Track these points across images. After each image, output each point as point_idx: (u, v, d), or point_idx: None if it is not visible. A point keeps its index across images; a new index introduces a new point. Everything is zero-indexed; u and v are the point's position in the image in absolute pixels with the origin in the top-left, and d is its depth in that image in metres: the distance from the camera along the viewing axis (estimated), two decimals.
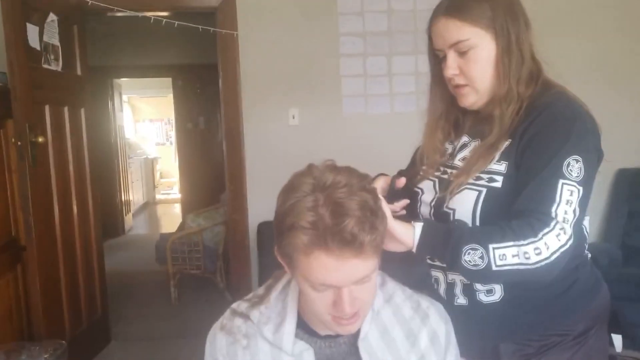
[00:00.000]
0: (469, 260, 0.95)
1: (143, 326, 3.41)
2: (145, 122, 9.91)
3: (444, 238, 0.98)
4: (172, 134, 8.94)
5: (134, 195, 7.29)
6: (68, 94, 2.80)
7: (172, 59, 5.55)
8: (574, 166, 0.96)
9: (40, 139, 2.44)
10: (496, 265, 0.94)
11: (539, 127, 1.01)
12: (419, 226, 1.00)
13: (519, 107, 1.05)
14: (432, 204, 1.13)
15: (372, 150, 2.92)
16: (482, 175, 1.05)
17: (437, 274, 1.16)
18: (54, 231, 2.61)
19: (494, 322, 1.10)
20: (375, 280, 0.90)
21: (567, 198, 0.95)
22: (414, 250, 1.00)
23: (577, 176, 0.96)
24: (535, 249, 0.93)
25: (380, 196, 0.91)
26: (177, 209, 7.72)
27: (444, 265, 1.06)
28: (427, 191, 1.15)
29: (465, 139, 1.15)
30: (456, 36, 1.05)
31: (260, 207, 3.00)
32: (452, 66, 1.07)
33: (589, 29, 3.04)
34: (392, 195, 1.12)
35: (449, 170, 1.14)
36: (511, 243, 0.93)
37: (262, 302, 1.00)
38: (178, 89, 6.00)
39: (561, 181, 0.96)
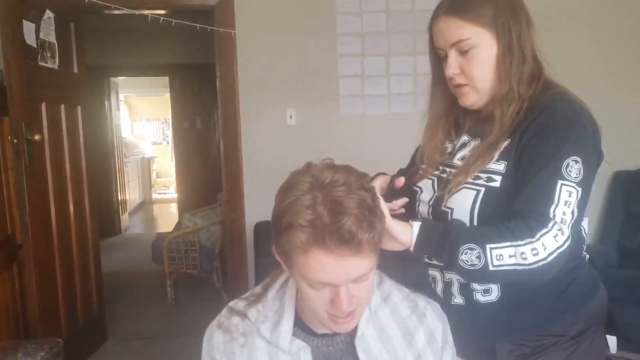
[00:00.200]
0: (466, 260, 0.95)
1: (139, 325, 3.41)
2: (141, 122, 9.89)
3: (442, 237, 0.98)
4: (169, 133, 8.93)
5: (131, 194, 7.29)
6: (65, 92, 2.79)
7: (169, 58, 5.54)
8: (573, 167, 0.96)
9: (37, 137, 2.43)
10: (493, 266, 0.94)
11: (538, 128, 1.01)
12: (416, 225, 1.00)
13: (520, 107, 1.05)
14: (431, 202, 1.13)
15: (369, 151, 2.93)
16: (480, 174, 1.05)
17: (435, 273, 1.16)
18: (50, 230, 2.60)
19: (490, 322, 1.10)
20: (372, 279, 0.91)
21: (565, 199, 0.95)
22: (412, 249, 1.00)
23: (576, 177, 0.96)
24: (533, 249, 0.93)
25: (378, 195, 0.91)
26: (174, 208, 7.72)
27: (441, 264, 1.07)
28: (426, 190, 1.15)
29: (465, 138, 1.15)
30: (457, 35, 1.05)
31: (257, 206, 3.00)
32: (452, 65, 1.07)
33: (587, 31, 3.05)
34: (391, 194, 1.12)
35: (448, 169, 1.14)
36: (508, 243, 0.94)
37: (259, 301, 1.00)
38: (175, 88, 5.99)
39: (560, 182, 0.96)
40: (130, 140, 8.99)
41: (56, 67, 2.69)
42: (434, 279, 1.17)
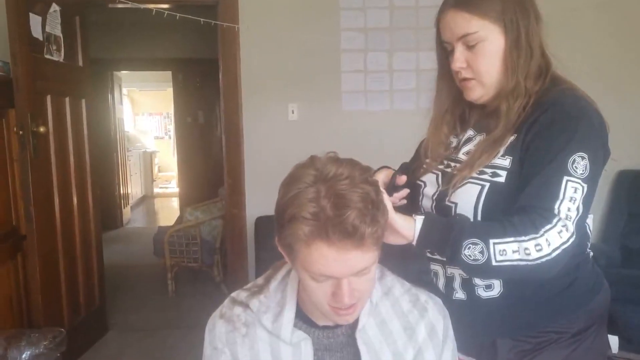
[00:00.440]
0: (469, 255, 0.95)
1: (140, 317, 3.43)
2: (144, 116, 9.89)
3: (445, 232, 0.98)
4: (171, 127, 8.94)
5: (133, 188, 7.30)
6: (69, 85, 2.80)
7: (173, 53, 5.54)
8: (580, 163, 0.95)
9: (42, 129, 2.45)
10: (496, 261, 0.93)
11: (545, 123, 1.00)
12: (419, 219, 1.00)
13: (526, 102, 1.04)
14: (434, 197, 1.12)
15: (371, 147, 2.94)
16: (485, 169, 1.04)
17: (437, 267, 1.16)
18: (54, 221, 2.62)
19: (492, 318, 1.10)
20: (374, 273, 0.91)
21: (570, 195, 0.94)
22: (414, 243, 1.00)
23: (582, 173, 0.95)
24: (536, 245, 0.92)
25: (382, 189, 0.91)
26: (175, 202, 7.72)
27: (444, 259, 1.06)
28: (430, 184, 1.15)
29: (470, 132, 1.15)
30: (464, 29, 1.04)
31: (258, 201, 3.01)
32: (459, 59, 1.06)
33: (595, 27, 3.04)
34: (393, 190, 1.12)
35: (452, 164, 1.13)
36: (512, 239, 0.93)
37: (261, 292, 1.00)
38: (178, 83, 5.99)
39: (565, 178, 0.95)
40: (132, 135, 8.99)
41: (61, 60, 2.70)
42: (435, 274, 1.17)
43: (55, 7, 2.62)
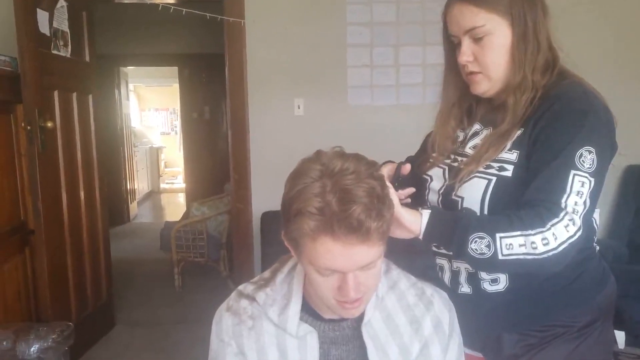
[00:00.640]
0: (476, 249, 0.95)
1: (147, 312, 3.45)
2: (150, 111, 9.92)
3: (451, 226, 0.98)
4: (177, 123, 8.96)
5: (139, 183, 7.33)
6: (76, 80, 2.81)
7: (179, 48, 5.55)
8: (587, 157, 0.95)
9: (49, 124, 2.46)
10: (502, 255, 0.93)
11: (552, 117, 1.00)
12: (426, 213, 1.00)
13: (533, 96, 1.04)
14: (441, 191, 1.12)
15: (377, 142, 2.93)
16: (492, 163, 1.04)
17: (442, 261, 1.16)
18: (62, 216, 2.64)
19: (497, 312, 1.10)
20: (380, 267, 0.91)
21: (577, 189, 0.94)
22: (421, 237, 1.00)
23: (589, 167, 0.95)
24: (543, 239, 0.92)
25: (388, 184, 0.91)
26: (181, 198, 7.76)
27: (450, 253, 1.06)
28: (436, 178, 1.15)
29: (477, 126, 1.14)
30: (471, 22, 1.04)
31: (264, 197, 3.02)
32: (466, 52, 1.06)
33: (603, 21, 3.00)
34: (398, 181, 1.12)
35: (459, 158, 1.13)
36: (519, 232, 0.93)
37: (268, 285, 1.01)
38: (184, 78, 6.00)
39: (572, 172, 0.95)
40: (139, 130, 9.02)
41: (68, 55, 2.72)
42: (441, 268, 1.17)
43: (62, 3, 2.63)
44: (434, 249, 1.16)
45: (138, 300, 3.65)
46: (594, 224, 1.10)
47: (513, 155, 1.03)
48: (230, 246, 3.75)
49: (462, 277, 1.12)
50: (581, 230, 0.94)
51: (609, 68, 2.95)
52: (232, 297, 1.03)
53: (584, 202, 0.95)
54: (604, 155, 0.99)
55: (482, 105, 1.16)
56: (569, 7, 2.86)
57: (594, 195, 0.97)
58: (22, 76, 2.34)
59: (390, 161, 1.20)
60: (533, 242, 0.92)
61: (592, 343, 1.09)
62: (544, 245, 0.92)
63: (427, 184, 1.17)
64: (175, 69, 6.08)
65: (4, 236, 2.32)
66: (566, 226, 0.93)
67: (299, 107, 3.03)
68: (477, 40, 1.05)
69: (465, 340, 1.06)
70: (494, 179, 1.03)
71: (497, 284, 1.08)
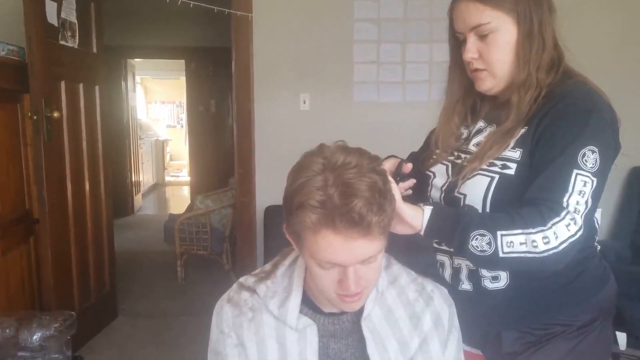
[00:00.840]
0: (476, 246, 0.95)
1: (149, 303, 3.47)
2: (157, 104, 9.94)
3: (453, 222, 0.98)
4: (183, 116, 8.97)
5: (144, 176, 7.35)
6: (83, 71, 2.82)
7: (186, 41, 5.56)
8: (590, 157, 0.95)
9: (56, 114, 2.47)
10: (503, 252, 0.94)
11: (556, 116, 1.00)
12: (428, 209, 1.00)
13: (538, 95, 1.04)
14: (444, 188, 1.12)
15: (382, 138, 2.93)
16: (495, 161, 1.04)
17: (443, 258, 1.16)
18: (67, 206, 2.65)
19: (497, 309, 1.11)
20: (380, 262, 0.91)
21: (580, 188, 0.94)
22: (422, 233, 1.01)
23: (592, 167, 0.95)
24: (544, 237, 0.92)
25: (390, 178, 0.92)
26: (186, 191, 7.78)
27: (451, 249, 1.06)
28: (439, 175, 1.15)
29: (481, 124, 1.14)
30: (477, 19, 1.04)
31: (268, 191, 3.02)
32: (471, 49, 1.06)
33: (608, 20, 2.98)
34: (398, 179, 1.12)
35: (462, 155, 1.13)
36: (519, 231, 0.93)
37: (268, 277, 1.01)
38: (190, 72, 6.00)
39: (575, 171, 0.95)
40: (145, 123, 9.04)
41: (76, 46, 2.73)
42: (442, 265, 1.17)
43: None
44: (435, 245, 1.16)
45: (141, 291, 3.67)
46: (595, 224, 1.10)
47: (516, 154, 1.03)
48: (233, 239, 3.76)
49: (463, 274, 1.12)
50: (582, 230, 0.94)
51: (614, 68, 2.93)
52: (233, 288, 1.04)
53: (586, 202, 0.95)
54: (607, 155, 0.98)
55: (487, 102, 1.16)
56: (574, 6, 2.84)
57: (596, 194, 0.96)
58: (30, 66, 2.35)
59: (393, 156, 1.20)
60: (534, 241, 0.93)
61: (591, 342, 1.09)
62: (545, 243, 0.92)
63: (430, 181, 1.17)
64: (182, 62, 6.09)
65: (8, 225, 2.33)
66: (567, 225, 0.93)
67: (304, 102, 3.02)
68: (482, 37, 1.05)
69: (464, 337, 1.06)
70: (497, 176, 1.03)
71: (497, 281, 1.08)
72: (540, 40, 1.04)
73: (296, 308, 0.97)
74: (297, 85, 3.01)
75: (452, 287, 1.12)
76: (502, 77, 1.07)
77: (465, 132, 1.17)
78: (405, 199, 1.02)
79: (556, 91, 1.03)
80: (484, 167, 1.05)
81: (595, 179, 0.95)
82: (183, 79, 6.26)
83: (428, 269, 1.16)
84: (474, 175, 1.06)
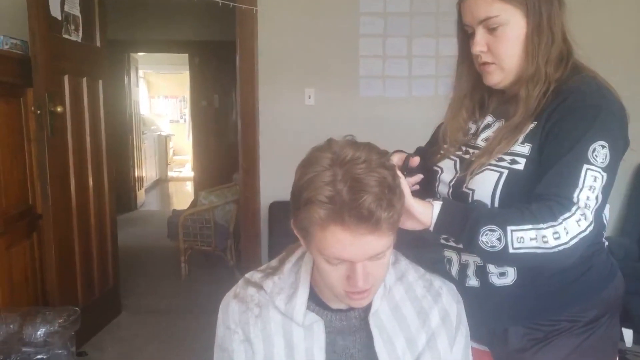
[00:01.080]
0: (486, 242, 0.94)
1: (153, 299, 3.47)
2: (160, 99, 9.94)
3: (462, 218, 0.97)
4: (187, 111, 8.97)
5: (147, 171, 7.36)
6: (87, 65, 2.81)
7: (190, 35, 5.55)
8: (600, 152, 0.95)
9: (59, 109, 2.46)
10: (513, 248, 0.93)
11: (565, 111, 0.99)
12: (437, 205, 0.99)
13: (546, 89, 1.03)
14: (452, 183, 1.12)
15: (388, 133, 2.91)
16: (504, 156, 1.04)
17: (451, 254, 1.15)
18: (70, 201, 2.65)
19: (504, 305, 1.10)
20: (389, 258, 0.91)
21: (590, 184, 0.94)
22: (431, 229, 1.00)
23: (602, 162, 0.95)
24: (554, 233, 0.92)
25: (399, 174, 0.91)
26: (189, 186, 7.79)
27: (460, 245, 1.06)
28: (447, 170, 1.15)
29: (489, 119, 1.13)
30: (486, 12, 1.03)
31: (272, 186, 3.02)
32: (480, 43, 1.05)
33: (613, 17, 2.97)
34: (405, 173, 1.11)
35: (471, 150, 1.12)
36: (530, 226, 0.93)
37: (275, 273, 1.01)
38: (194, 66, 5.99)
39: (585, 166, 0.94)
40: (148, 117, 9.04)
41: (79, 40, 2.72)
42: (449, 261, 1.16)
43: None
44: (443, 241, 1.16)
45: (144, 287, 3.67)
46: (604, 219, 1.09)
47: (525, 149, 1.02)
48: (237, 235, 3.76)
49: (470, 270, 1.12)
50: (593, 225, 0.94)
51: (624, 62, 2.91)
52: (240, 284, 1.03)
53: (596, 197, 0.95)
54: (617, 150, 0.98)
55: (495, 97, 1.15)
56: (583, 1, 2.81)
57: (606, 190, 0.96)
58: (33, 60, 2.34)
59: (399, 150, 1.19)
60: (544, 236, 0.92)
61: (598, 338, 1.08)
62: (555, 239, 0.92)
63: (438, 176, 1.16)
64: (185, 56, 6.07)
65: (12, 220, 2.33)
66: (578, 221, 0.93)
67: (309, 97, 3.01)
68: (491, 30, 1.04)
69: (471, 333, 1.06)
70: (506, 172, 1.03)
71: (505, 277, 1.08)
72: (549, 33, 1.03)
73: (303, 304, 0.96)
74: (302, 80, 3.00)
75: (459, 284, 1.11)
76: (511, 70, 1.06)
77: (473, 127, 1.17)
78: (413, 194, 1.01)
79: (565, 86, 1.02)
80: (493, 162, 1.04)
81: (605, 174, 0.95)
82: (186, 73, 6.25)
83: (435, 266, 1.16)
84: (482, 171, 1.05)
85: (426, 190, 1.14)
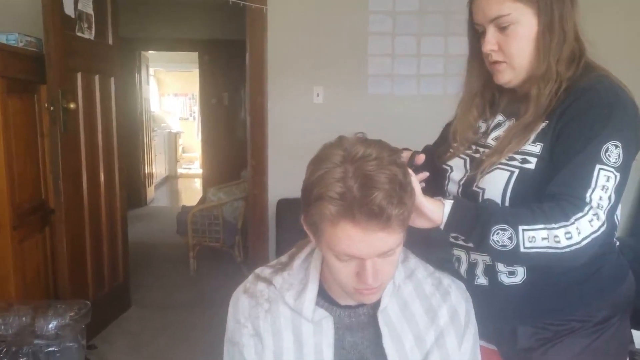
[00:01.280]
0: (497, 241, 0.94)
1: (162, 294, 3.51)
2: (169, 96, 9.98)
3: (474, 217, 0.97)
4: (196, 109, 9.00)
5: (157, 168, 7.39)
6: (99, 63, 2.84)
7: (200, 34, 5.56)
8: (613, 152, 0.94)
9: (72, 106, 2.49)
10: (524, 247, 0.93)
11: (578, 110, 0.98)
12: (448, 203, 0.99)
13: (558, 88, 1.03)
14: (462, 182, 1.12)
15: (396, 132, 2.86)
16: (515, 155, 1.03)
17: (460, 253, 1.15)
18: (82, 196, 2.68)
19: (513, 304, 1.10)
20: (398, 255, 0.91)
21: (603, 183, 0.93)
22: (442, 227, 1.00)
23: (615, 162, 0.94)
24: (566, 233, 0.92)
25: (410, 171, 0.91)
26: (197, 183, 7.82)
27: (470, 244, 1.06)
28: (457, 169, 1.14)
29: (499, 118, 1.13)
30: (497, 11, 1.03)
31: (281, 184, 3.02)
32: (490, 41, 1.05)
33: (626, 15, 2.94)
34: (411, 169, 1.12)
35: (481, 149, 1.12)
36: (542, 226, 0.92)
37: (285, 269, 1.01)
38: (204, 64, 6.01)
39: (598, 166, 0.94)
40: (158, 115, 9.08)
41: (92, 38, 2.74)
42: (458, 259, 1.16)
43: None
44: (451, 240, 1.16)
45: (153, 282, 3.70)
46: (615, 219, 1.08)
47: (537, 148, 1.02)
48: (245, 232, 3.77)
49: (479, 269, 1.11)
50: (605, 226, 0.94)
51: (635, 62, 2.88)
52: (250, 279, 1.04)
53: (609, 197, 0.94)
54: (630, 149, 0.97)
55: (505, 95, 1.15)
56: None
57: (619, 190, 0.96)
58: (47, 57, 2.37)
59: (406, 148, 1.18)
60: (556, 236, 0.92)
61: (608, 339, 1.08)
62: (567, 239, 0.92)
63: (447, 174, 1.16)
64: (195, 55, 6.09)
65: (25, 214, 2.36)
66: (590, 221, 0.92)
67: (318, 95, 3.02)
68: (502, 29, 1.04)
69: (479, 332, 1.05)
70: (517, 171, 1.02)
71: (514, 276, 1.08)
72: (561, 32, 1.03)
73: (312, 300, 0.97)
74: (310, 78, 3.00)
75: (468, 282, 1.11)
76: (522, 69, 1.06)
77: (483, 126, 1.16)
78: (422, 192, 1.01)
79: (578, 85, 1.02)
80: (504, 161, 1.04)
81: (618, 174, 0.95)
82: (196, 71, 6.27)
83: (443, 264, 1.16)
84: (493, 170, 1.05)
85: (431, 188, 1.14)
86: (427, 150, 1.27)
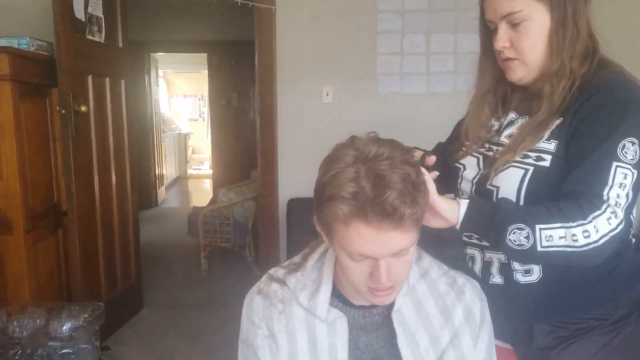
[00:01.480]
0: (514, 240, 0.93)
1: (173, 294, 3.52)
2: (179, 98, 10.03)
3: (490, 216, 0.96)
4: (205, 110, 9.04)
5: (167, 169, 7.44)
6: (109, 66, 2.85)
7: (209, 35, 5.58)
8: (630, 148, 0.93)
9: (83, 108, 2.51)
10: (542, 247, 0.92)
11: (593, 107, 0.97)
12: (464, 203, 0.98)
13: (571, 84, 1.01)
14: (475, 180, 1.11)
15: (406, 130, 2.86)
16: (529, 153, 1.02)
17: (474, 251, 1.14)
18: (94, 198, 2.69)
19: (529, 303, 1.09)
20: (412, 255, 0.90)
21: (620, 181, 0.92)
22: (458, 227, 0.99)
23: (632, 159, 0.93)
24: (584, 231, 0.91)
25: (424, 171, 0.90)
26: (207, 184, 7.85)
27: (484, 243, 1.05)
28: (470, 167, 1.13)
29: (512, 115, 1.12)
30: (508, 7, 1.02)
31: (291, 184, 3.02)
32: (502, 38, 1.04)
33: None
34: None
35: (494, 147, 1.11)
36: (559, 224, 0.92)
37: (298, 270, 1.01)
38: (213, 65, 6.03)
39: (615, 163, 0.93)
40: (167, 116, 9.13)
41: (102, 40, 2.76)
42: (472, 258, 1.15)
43: None
44: (465, 238, 1.14)
45: (165, 283, 3.72)
46: (631, 217, 1.06)
47: (551, 145, 1.01)
48: (255, 232, 3.78)
49: (494, 268, 1.10)
50: (623, 224, 0.93)
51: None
52: (263, 280, 1.04)
53: (627, 195, 0.93)
54: None
55: (518, 93, 1.14)
56: None
57: (637, 187, 0.94)
58: (58, 60, 2.39)
59: (416, 147, 1.18)
60: (574, 235, 0.91)
61: (626, 337, 1.06)
62: (585, 237, 0.91)
63: (460, 173, 1.15)
64: (204, 56, 6.11)
65: (38, 217, 2.38)
66: (608, 219, 0.91)
67: (327, 95, 3.01)
68: (514, 25, 1.03)
69: (495, 331, 1.04)
70: (531, 169, 1.01)
71: (530, 274, 1.07)
72: (574, 28, 1.01)
73: (326, 300, 0.96)
74: (320, 78, 3.00)
75: (483, 281, 1.10)
76: (534, 66, 1.05)
77: (496, 124, 1.15)
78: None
79: (592, 82, 1.01)
80: (518, 159, 1.03)
81: (635, 171, 0.93)
82: (205, 72, 6.29)
83: (456, 263, 1.15)
84: (507, 167, 1.04)
85: (442, 187, 1.14)
86: (439, 148, 1.26)
